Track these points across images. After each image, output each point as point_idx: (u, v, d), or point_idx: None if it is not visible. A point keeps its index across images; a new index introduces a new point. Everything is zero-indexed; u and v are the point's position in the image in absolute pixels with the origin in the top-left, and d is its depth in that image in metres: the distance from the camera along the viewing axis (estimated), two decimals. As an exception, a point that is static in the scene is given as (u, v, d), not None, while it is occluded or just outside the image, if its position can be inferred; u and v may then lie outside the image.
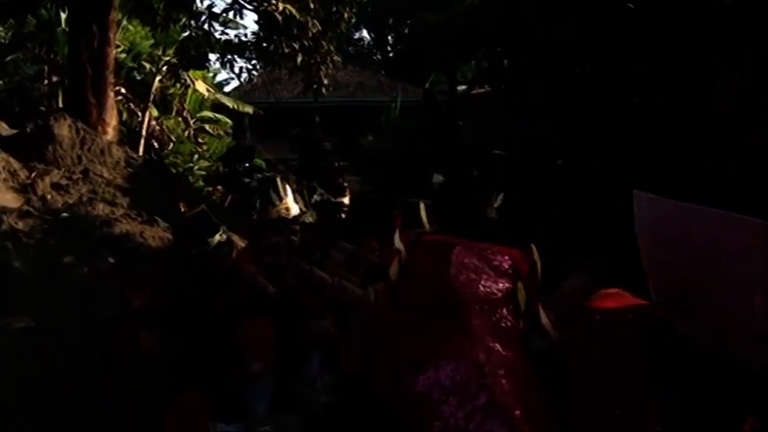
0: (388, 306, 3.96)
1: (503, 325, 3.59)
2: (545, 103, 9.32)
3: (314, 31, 11.69)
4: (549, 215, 8.31)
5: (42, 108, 15.58)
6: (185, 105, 18.37)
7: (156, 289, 4.86)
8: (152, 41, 16.62)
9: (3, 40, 17.36)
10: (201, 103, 18.85)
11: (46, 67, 16.99)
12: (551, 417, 3.32)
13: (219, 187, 15.03)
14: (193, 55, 12.65)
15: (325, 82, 12.68)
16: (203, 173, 17.06)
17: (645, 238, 3.80)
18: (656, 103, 7.48)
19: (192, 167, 16.93)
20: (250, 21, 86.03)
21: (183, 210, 7.58)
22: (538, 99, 9.50)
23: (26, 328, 5.08)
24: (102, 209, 6.90)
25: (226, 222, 5.25)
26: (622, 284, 4.03)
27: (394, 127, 18.93)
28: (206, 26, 12.30)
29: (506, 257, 3.82)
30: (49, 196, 6.87)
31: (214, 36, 12.83)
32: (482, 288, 3.65)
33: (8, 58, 17.03)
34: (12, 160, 7.04)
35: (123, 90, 16.19)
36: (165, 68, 16.50)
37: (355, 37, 37.98)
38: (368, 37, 39.30)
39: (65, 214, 6.66)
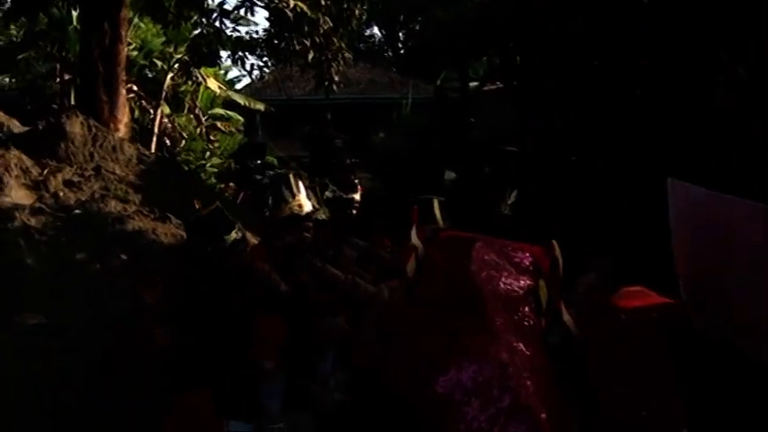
0: (405, 303, 3.89)
1: (525, 323, 3.50)
2: (557, 99, 9.29)
3: (325, 27, 11.68)
4: (561, 212, 8.28)
5: (54, 106, 15.62)
6: (197, 103, 18.42)
7: (168, 286, 4.84)
8: (163, 39, 16.67)
9: (15, 39, 17.44)
10: (213, 100, 18.90)
11: (58, 66, 17.07)
12: (570, 414, 3.26)
13: (231, 184, 15.05)
14: (205, 52, 12.64)
15: (337, 79, 12.67)
16: (215, 170, 17.10)
17: (678, 229, 3.71)
18: (659, 96, 7.45)
19: (204, 164, 16.97)
20: (261, 18, 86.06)
21: (197, 207, 7.57)
22: (550, 95, 9.47)
23: (38, 324, 5.08)
24: (114, 206, 6.90)
25: (238, 219, 5.23)
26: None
27: (405, 124, 18.89)
28: (217, 23, 12.29)
29: (527, 254, 3.72)
30: (61, 193, 6.87)
31: (225, 33, 12.82)
32: (503, 285, 3.56)
33: (20, 57, 17.12)
34: (24, 157, 7.05)
35: (135, 88, 16.24)
36: (176, 66, 16.53)
37: (366, 34, 37.97)
38: (379, 34, 39.35)
39: (77, 211, 6.65)
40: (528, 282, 3.63)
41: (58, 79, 17.26)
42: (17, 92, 18.20)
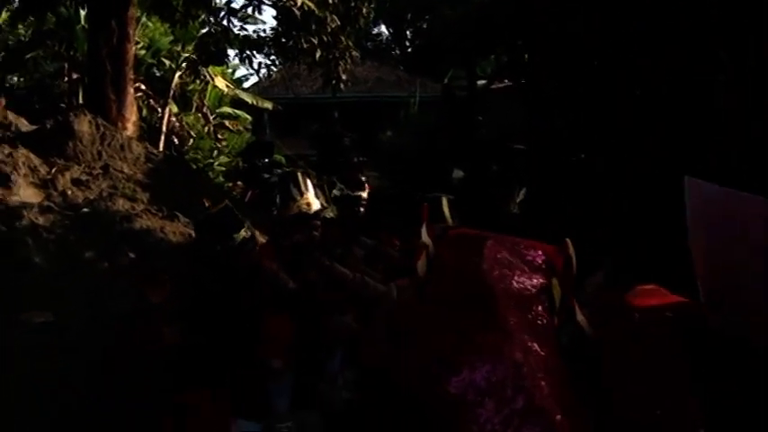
0: (416, 301, 3.84)
1: (538, 323, 3.41)
2: (557, 99, 9.28)
3: (332, 26, 11.69)
4: (561, 212, 8.27)
5: (63, 105, 15.66)
6: (205, 101, 18.44)
7: (176, 284, 4.84)
8: (171, 38, 16.68)
9: (23, 38, 17.49)
10: (221, 99, 18.92)
11: (66, 65, 17.11)
12: (585, 414, 3.20)
13: (239, 183, 15.05)
14: (212, 51, 12.68)
15: (344, 77, 12.69)
16: (223, 168, 17.11)
17: (694, 227, 3.66)
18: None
19: (212, 163, 16.99)
20: (269, 16, 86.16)
21: (206, 205, 7.57)
22: (550, 94, 9.46)
23: (41, 323, 5.08)
24: (122, 204, 6.91)
25: (247, 218, 5.22)
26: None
27: (413, 122, 18.86)
28: (225, 22, 12.33)
29: (540, 252, 3.64)
30: (69, 192, 6.88)
31: (233, 32, 12.85)
32: (516, 284, 3.48)
33: (28, 56, 17.17)
34: (32, 156, 7.07)
35: (143, 87, 16.27)
36: (184, 65, 16.58)
37: (374, 32, 37.96)
38: (386, 32, 39.31)
39: (85, 210, 6.67)
40: (541, 280, 3.55)
41: (66, 78, 17.30)
42: (25, 91, 18.26)
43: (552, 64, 9.31)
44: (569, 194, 8.58)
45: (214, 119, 18.61)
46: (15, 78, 19.32)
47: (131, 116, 10.07)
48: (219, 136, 18.55)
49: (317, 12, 11.43)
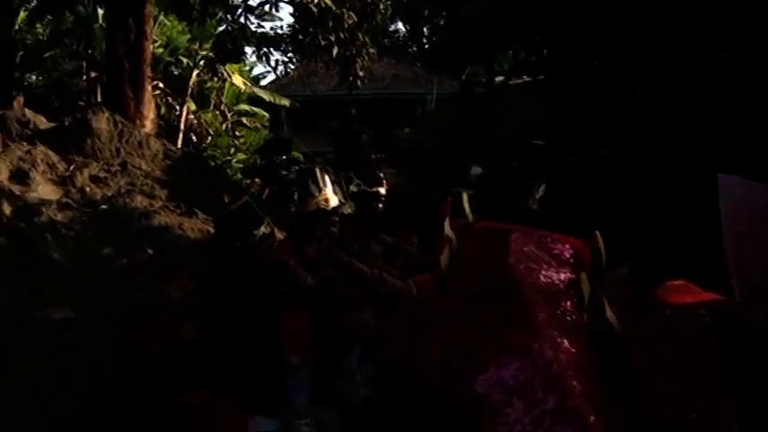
0: (438, 295, 3.77)
1: (567, 319, 3.28)
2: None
3: (349, 22, 11.69)
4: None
5: (81, 103, 15.74)
6: (222, 99, 18.48)
7: (195, 280, 4.83)
8: (189, 36, 16.72)
9: (41, 37, 17.59)
10: (238, 96, 18.95)
11: (84, 63, 17.19)
12: (615, 413, 3.12)
13: (257, 180, 15.07)
14: (230, 48, 12.72)
15: (361, 74, 12.68)
16: (241, 166, 17.13)
17: (728, 225, 3.59)
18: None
19: (230, 160, 17.01)
20: (286, 14, 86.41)
21: (226, 201, 7.57)
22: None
23: (65, 318, 5.08)
24: (140, 201, 6.92)
25: (266, 215, 5.21)
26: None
27: (430, 119, 18.81)
28: (242, 19, 12.36)
29: (567, 246, 3.51)
30: (87, 188, 6.91)
31: (250, 29, 12.90)
32: (543, 278, 3.35)
33: (47, 55, 17.28)
34: (50, 153, 7.10)
35: (161, 84, 16.32)
36: (202, 63, 16.62)
37: (391, 29, 37.91)
38: (403, 29, 39.25)
39: (103, 206, 6.69)
40: (569, 275, 3.43)
41: (84, 77, 17.38)
42: (44, 90, 18.37)
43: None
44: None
45: (232, 116, 18.64)
46: (34, 77, 19.44)
47: (149, 113, 10.11)
48: (237, 133, 18.59)
49: (334, 8, 11.43)
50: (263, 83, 24.61)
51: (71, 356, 4.85)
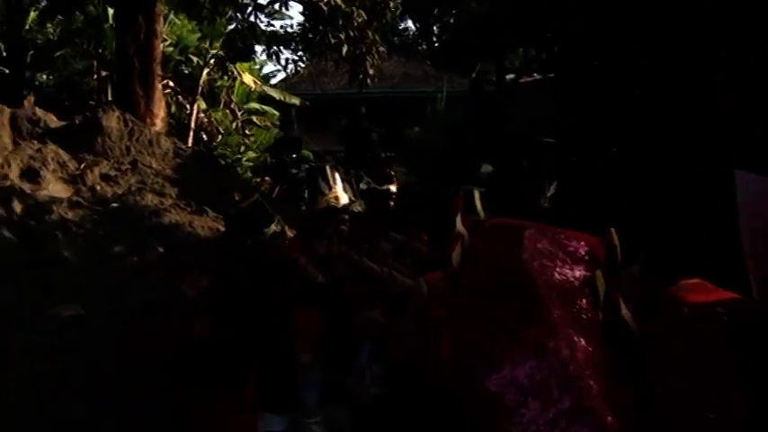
0: (450, 293, 3.71)
1: (583, 317, 3.25)
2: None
3: (359, 21, 11.67)
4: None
5: (92, 102, 15.78)
6: (233, 97, 18.50)
7: (205, 278, 4.83)
8: (199, 35, 16.75)
9: (52, 37, 17.66)
10: (248, 95, 18.97)
11: (94, 63, 17.24)
12: (629, 411, 3.06)
13: (267, 178, 15.08)
14: (240, 47, 12.73)
15: (371, 72, 12.66)
16: (251, 164, 17.16)
17: (745, 222, 3.56)
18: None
19: (240, 159, 17.04)
20: (296, 12, 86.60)
21: (237, 199, 7.58)
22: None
23: (75, 316, 5.09)
24: (150, 199, 6.93)
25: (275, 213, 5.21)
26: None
27: (440, 118, 18.78)
28: (252, 18, 12.35)
29: (582, 243, 3.49)
30: (98, 187, 6.92)
31: (260, 27, 12.90)
32: (558, 275, 3.32)
33: (57, 54, 17.34)
34: (61, 152, 7.12)
35: (172, 83, 16.35)
36: (212, 61, 16.65)
37: (400, 27, 37.85)
38: (413, 27, 39.18)
39: (114, 205, 6.70)
40: (584, 272, 3.39)
41: (95, 76, 17.43)
42: (54, 89, 18.42)
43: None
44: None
45: (242, 115, 18.66)
46: (45, 76, 19.50)
47: (160, 112, 10.12)
48: (247, 132, 18.61)
49: (344, 7, 11.42)
50: (273, 81, 24.63)
51: (74, 356, 4.84)
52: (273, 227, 4.76)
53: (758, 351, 3.11)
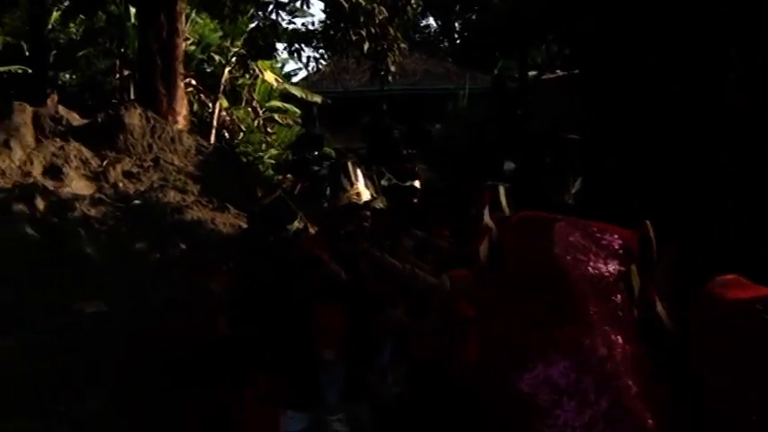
0: (477, 288, 3.60)
1: (619, 313, 3.10)
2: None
3: (381, 18, 11.65)
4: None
5: (114, 101, 15.87)
6: (254, 96, 18.56)
7: (227, 275, 4.82)
8: (221, 33, 16.81)
9: (75, 37, 17.78)
10: (270, 93, 19.00)
11: (117, 62, 17.36)
12: (666, 406, 2.96)
13: (289, 176, 15.08)
14: (261, 45, 12.74)
15: (393, 70, 12.63)
16: (273, 161, 17.18)
17: None
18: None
19: (262, 156, 17.06)
20: (317, 9, 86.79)
21: (259, 196, 7.58)
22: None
23: (97, 312, 5.10)
24: (173, 196, 6.95)
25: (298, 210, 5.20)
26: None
27: (462, 115, 18.72)
28: (273, 16, 12.36)
29: (616, 236, 3.33)
30: (120, 184, 6.95)
31: (281, 26, 12.88)
32: (591, 270, 3.18)
33: (80, 54, 17.48)
34: (83, 149, 7.15)
35: (194, 82, 16.42)
36: (233, 60, 16.69)
37: (422, 24, 37.81)
38: (434, 24, 39.12)
39: (136, 201, 6.72)
40: (618, 267, 3.24)
41: (117, 75, 17.55)
42: (77, 88, 18.55)
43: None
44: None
45: (264, 113, 18.70)
46: (68, 76, 19.64)
47: (182, 110, 10.16)
48: (269, 129, 18.65)
49: (365, 4, 11.40)
50: (295, 79, 24.67)
51: (96, 353, 4.85)
52: (296, 224, 4.74)
53: None
